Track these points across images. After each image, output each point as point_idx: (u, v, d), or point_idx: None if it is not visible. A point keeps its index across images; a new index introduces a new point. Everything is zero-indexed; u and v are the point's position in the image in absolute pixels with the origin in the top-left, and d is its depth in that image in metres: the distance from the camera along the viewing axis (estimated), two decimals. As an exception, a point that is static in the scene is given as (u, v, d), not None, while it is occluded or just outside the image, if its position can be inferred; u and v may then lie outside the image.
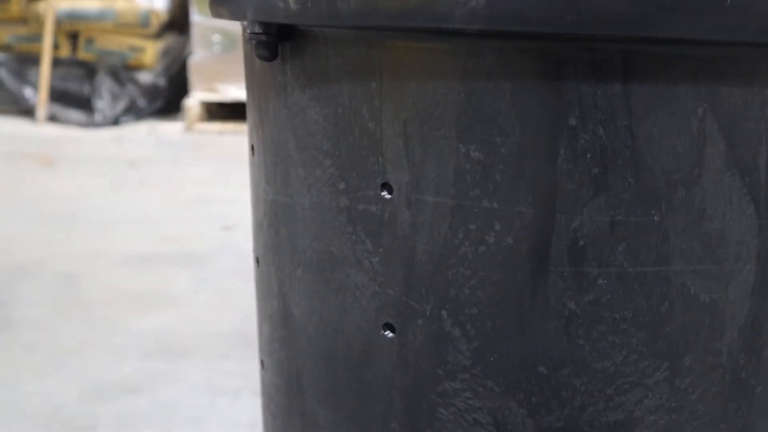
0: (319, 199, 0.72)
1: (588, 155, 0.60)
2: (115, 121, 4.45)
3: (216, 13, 0.77)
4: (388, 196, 0.67)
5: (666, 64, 0.59)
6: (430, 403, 0.69)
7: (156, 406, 1.42)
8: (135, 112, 4.55)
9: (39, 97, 4.44)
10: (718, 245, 0.62)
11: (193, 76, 4.44)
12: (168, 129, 4.32)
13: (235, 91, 4.31)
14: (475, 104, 0.62)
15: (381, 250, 0.68)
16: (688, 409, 0.66)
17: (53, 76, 4.48)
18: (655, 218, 0.61)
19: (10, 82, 4.61)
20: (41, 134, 4.08)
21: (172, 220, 2.63)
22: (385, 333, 0.70)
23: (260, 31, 0.69)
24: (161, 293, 1.97)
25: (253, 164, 0.85)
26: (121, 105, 4.51)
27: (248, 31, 0.71)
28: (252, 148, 0.84)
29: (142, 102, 4.57)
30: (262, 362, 0.92)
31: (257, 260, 0.88)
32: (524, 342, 0.65)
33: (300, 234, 0.75)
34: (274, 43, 0.70)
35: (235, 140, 4.04)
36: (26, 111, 4.52)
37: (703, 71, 0.59)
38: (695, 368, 0.65)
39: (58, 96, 4.49)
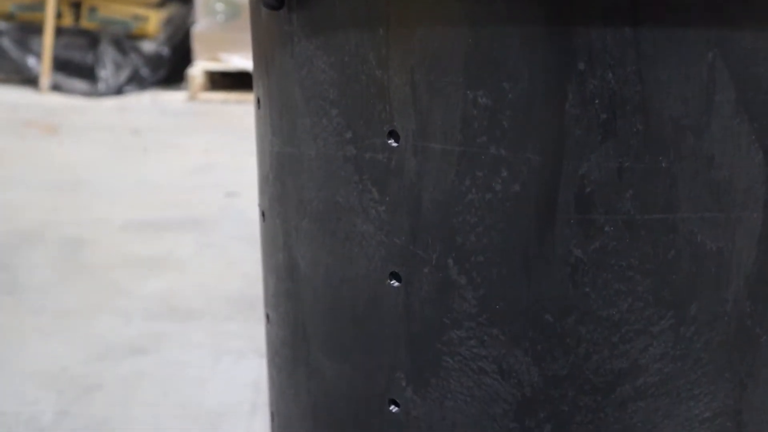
0: (326, 149, 0.72)
1: (596, 101, 0.60)
2: (119, 91, 4.43)
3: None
4: (394, 144, 0.67)
5: (676, 7, 0.58)
6: (436, 352, 0.70)
7: (161, 367, 1.43)
8: (138, 82, 4.53)
9: (42, 66, 4.42)
10: (726, 192, 0.62)
11: (197, 46, 4.41)
12: (171, 98, 4.31)
13: (239, 61, 4.29)
14: (483, 50, 0.61)
15: (387, 198, 0.68)
16: (693, 357, 0.66)
17: (56, 45, 4.46)
18: (663, 165, 0.61)
19: (13, 51, 4.59)
20: (45, 103, 4.07)
21: (177, 187, 2.63)
22: (391, 282, 0.70)
23: (267, -21, 0.69)
24: (166, 258, 1.97)
25: (259, 117, 0.84)
26: (125, 74, 4.49)
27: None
28: (258, 100, 0.84)
29: (145, 71, 4.55)
30: (267, 316, 0.92)
31: (263, 214, 0.88)
32: (530, 290, 0.65)
33: (306, 185, 0.75)
34: (280, -6, 0.70)
35: (238, 110, 4.03)
36: (29, 80, 4.51)
37: (714, 15, 0.58)
38: (701, 316, 0.65)
39: (61, 65, 4.48)
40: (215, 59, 4.37)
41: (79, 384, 1.36)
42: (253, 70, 0.85)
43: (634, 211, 0.62)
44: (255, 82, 0.85)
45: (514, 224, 0.64)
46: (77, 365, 1.42)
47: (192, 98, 4.28)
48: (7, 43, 4.59)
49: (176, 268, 1.91)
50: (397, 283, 0.70)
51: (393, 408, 0.74)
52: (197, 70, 4.36)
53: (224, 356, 1.47)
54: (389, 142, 0.67)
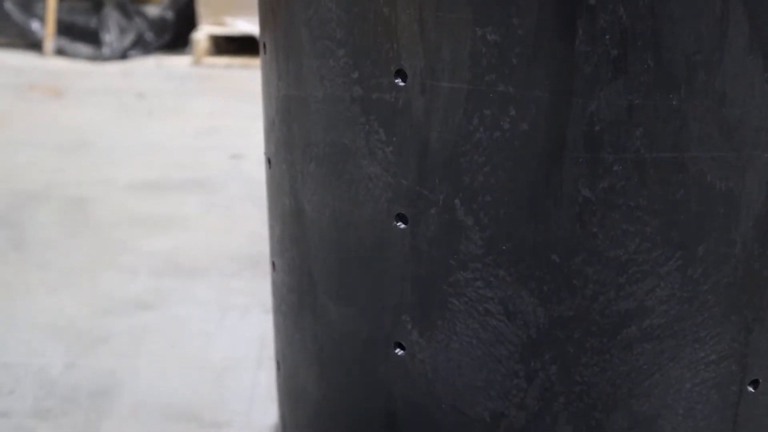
0: (332, 91, 0.71)
1: (607, 36, 0.59)
2: (123, 55, 4.40)
3: None
4: (402, 84, 0.66)
5: (690, -60, 0.57)
6: (442, 294, 0.70)
7: (167, 321, 1.44)
8: (143, 46, 4.50)
9: (46, 30, 4.39)
10: (737, 131, 0.61)
11: (201, 9, 4.38)
12: (176, 63, 4.28)
13: (244, 25, 4.26)
14: (493, -16, 0.60)
15: (394, 139, 0.68)
16: (700, 299, 0.66)
17: (60, 8, 4.42)
18: (674, 102, 0.60)
19: (17, 15, 4.56)
20: (49, 67, 4.05)
21: (182, 149, 2.62)
22: (398, 224, 0.70)
23: None
24: (171, 217, 1.97)
25: (264, 62, 0.84)
26: (129, 38, 4.46)
27: None
28: (264, 45, 0.83)
29: (149, 36, 4.52)
30: (273, 264, 0.92)
31: (269, 161, 0.87)
32: (537, 230, 0.65)
33: (312, 128, 0.75)
34: (287, -73, 0.69)
35: (243, 74, 4.00)
36: (33, 44, 4.48)
37: (729, -52, 0.57)
38: (708, 258, 0.65)
39: (66, 29, 4.44)
40: (220, 23, 4.34)
41: (86, 337, 1.37)
42: (259, 14, 0.84)
43: (644, 150, 0.61)
44: (261, 27, 0.84)
45: (522, 163, 0.63)
46: (84, 319, 1.43)
47: (196, 63, 4.25)
48: (10, 6, 4.56)
49: (181, 227, 1.91)
50: (403, 225, 0.70)
51: (398, 351, 0.74)
52: (202, 34, 4.32)
53: (230, 311, 1.48)
54: (396, 81, 0.66)
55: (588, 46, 0.59)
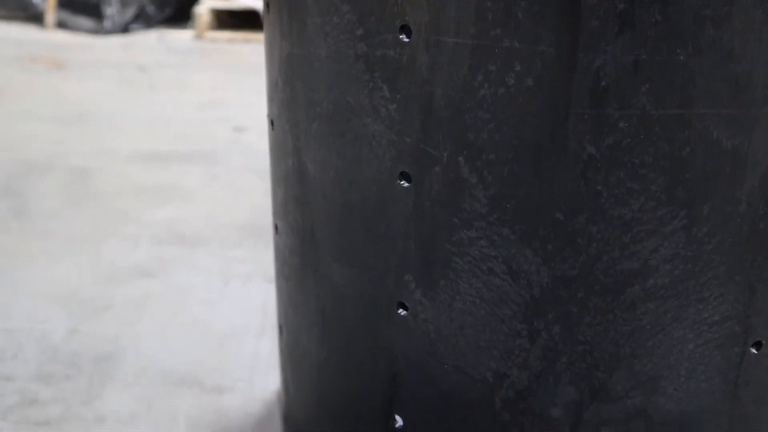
0: (336, 48, 0.71)
1: (615, -10, 0.58)
2: (125, 29, 4.38)
3: None
4: (406, 40, 0.65)
5: None
6: (445, 253, 0.70)
7: (169, 289, 1.44)
8: (144, 20, 4.48)
9: (47, 3, 4.36)
10: (745, 88, 0.61)
11: (203, -17, 4.34)
12: (178, 37, 4.26)
13: (246, -1, 4.23)
14: (500, -63, 0.60)
15: (398, 96, 0.67)
16: (704, 258, 0.66)
17: (61, -19, 4.39)
18: (681, 58, 0.59)
19: (18, -13, 4.53)
20: (50, 40, 4.03)
21: (184, 121, 2.62)
22: (401, 183, 0.70)
23: None
24: (173, 188, 1.97)
25: (268, 22, 0.83)
26: (131, 12, 4.43)
27: None
28: (267, 5, 0.83)
29: (151, 9, 4.49)
30: (276, 227, 0.92)
31: (272, 122, 0.87)
32: (541, 188, 0.64)
33: (316, 86, 0.74)
34: None
35: (245, 49, 3.98)
36: (34, 17, 4.45)
37: None
38: (713, 217, 0.64)
39: (67, 2, 4.41)
40: (222, -3, 4.31)
41: (88, 304, 1.37)
42: (262, -28, 0.83)
43: (650, 107, 0.61)
44: (264, -15, 0.83)
45: (527, 120, 0.63)
46: (86, 287, 1.43)
47: (198, 37, 4.23)
48: (11, -21, 4.53)
49: (183, 198, 1.91)
50: (406, 184, 0.70)
51: (401, 311, 0.74)
52: (204, 8, 4.30)
53: (232, 280, 1.48)
54: (401, 37, 0.66)
55: (594, 0, 0.59)
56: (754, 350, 0.71)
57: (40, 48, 3.80)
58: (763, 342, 0.71)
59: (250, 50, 3.92)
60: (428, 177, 0.68)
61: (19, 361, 1.19)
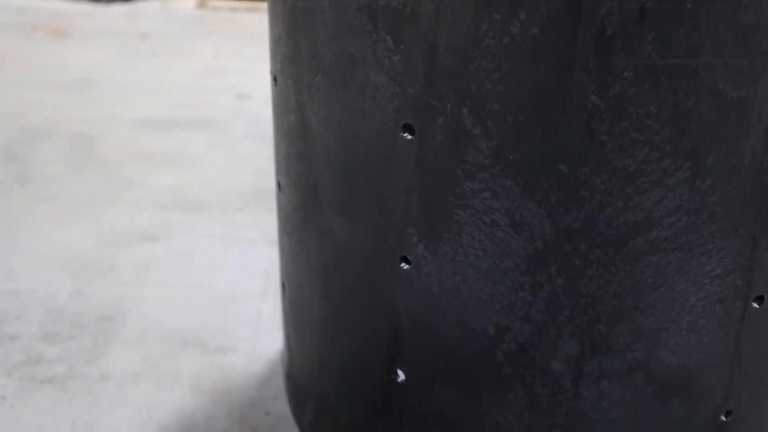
0: (339, -1, 0.70)
1: (621, -64, 0.57)
2: (127, -2, 4.35)
3: None
4: (410, -12, 0.65)
5: None
6: (448, 206, 0.69)
7: (172, 253, 1.44)
8: (146, -11, 4.44)
9: (48, -29, 4.33)
10: (752, 37, 0.60)
11: (206, -49, 4.31)
12: (180, 5, 4.23)
13: (249, -33, 4.19)
14: None
15: (402, 47, 0.67)
16: (708, 211, 0.66)
17: (62, -51, 4.36)
18: (687, 5, 0.59)
19: (19, -45, 4.49)
20: (51, 8, 4.00)
21: (187, 89, 2.61)
22: (405, 135, 0.69)
23: None
24: (176, 154, 1.97)
25: (270, -25, 0.82)
26: (133, -19, 4.40)
27: None
28: (269, -42, 0.82)
29: (153, -22, 4.45)
30: (278, 184, 0.92)
31: (275, 79, 0.86)
32: (545, 139, 0.64)
33: (319, 39, 0.74)
34: None
35: (249, 17, 3.96)
36: (36, -15, 4.42)
37: None
38: (717, 168, 0.64)
39: (68, -30, 4.38)
40: (225, -34, 4.27)
41: (92, 267, 1.37)
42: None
43: (655, 56, 0.60)
44: (266, -61, 0.83)
45: (531, 69, 0.62)
46: (90, 250, 1.44)
47: (201, 5, 4.21)
48: (12, -53, 4.49)
49: (186, 164, 1.91)
50: (410, 136, 0.69)
51: (404, 265, 0.74)
52: (206, -24, 4.27)
53: (235, 244, 1.48)
54: (405, -15, 0.65)
55: (601, -54, 0.58)
56: (756, 305, 0.71)
57: (42, 16, 3.78)
58: (765, 296, 0.71)
59: (254, 19, 3.90)
60: (431, 129, 0.68)
61: (24, 322, 1.19)
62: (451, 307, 0.72)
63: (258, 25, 3.65)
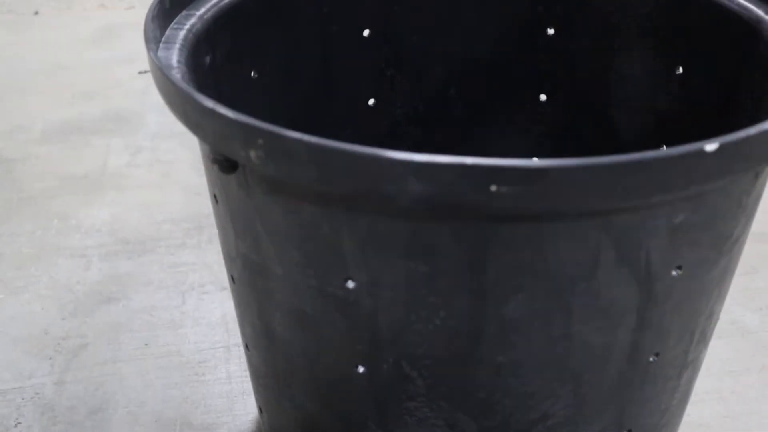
0: (291, 275, 0.86)
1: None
2: None
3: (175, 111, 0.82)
4: (351, 285, 0.82)
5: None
6: (399, 413, 0.91)
7: (133, 314, 1.58)
8: None
9: None
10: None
11: None
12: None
13: None
14: (419, 236, 0.75)
15: (349, 320, 0.85)
16: (588, 403, 0.90)
17: None
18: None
19: None
20: None
21: (84, 67, 2.58)
22: (357, 369, 0.89)
23: (222, 158, 0.78)
24: (101, 173, 2.04)
25: (218, 213, 0.96)
26: None
27: (209, 154, 0.79)
28: (215, 196, 0.95)
29: None
30: (246, 345, 1.10)
31: (232, 278, 1.02)
32: (466, 380, 0.85)
33: (275, 292, 0.90)
34: (235, 164, 0.79)
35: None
36: None
37: None
38: (591, 381, 0.87)
39: None
40: None
41: (64, 346, 1.50)
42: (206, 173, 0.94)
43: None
44: (210, 181, 0.95)
45: (452, 344, 0.82)
46: (55, 324, 1.55)
47: None
48: None
49: (115, 186, 1.99)
50: (363, 369, 0.89)
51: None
52: None
53: (188, 294, 1.64)
54: (347, 284, 0.82)
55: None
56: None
57: None
58: None
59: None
60: (378, 370, 0.88)
61: (24, 428, 1.36)
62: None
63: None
